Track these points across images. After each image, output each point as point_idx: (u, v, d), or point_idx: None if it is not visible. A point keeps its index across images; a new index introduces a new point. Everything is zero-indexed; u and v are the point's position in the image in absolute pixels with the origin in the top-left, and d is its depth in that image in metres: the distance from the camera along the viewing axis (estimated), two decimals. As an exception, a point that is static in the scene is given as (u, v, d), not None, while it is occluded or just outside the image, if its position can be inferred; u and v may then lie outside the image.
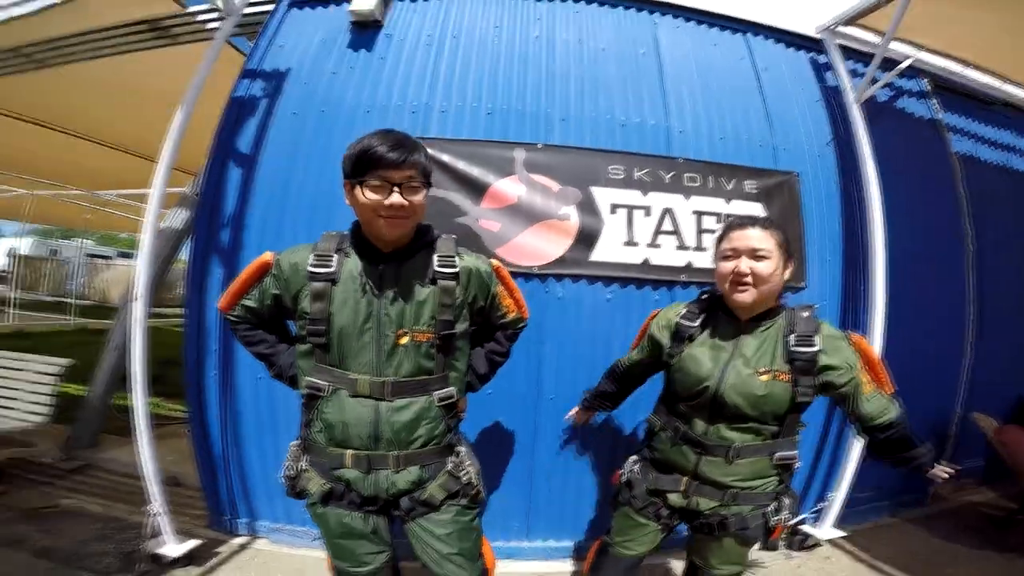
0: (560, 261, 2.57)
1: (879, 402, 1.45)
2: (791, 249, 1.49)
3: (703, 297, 1.65)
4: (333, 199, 2.61)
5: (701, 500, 1.53)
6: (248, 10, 2.97)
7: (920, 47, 3.15)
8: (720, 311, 1.58)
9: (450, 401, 1.41)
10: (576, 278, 2.60)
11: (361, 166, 1.22)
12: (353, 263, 1.35)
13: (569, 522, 2.67)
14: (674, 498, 1.58)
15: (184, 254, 3.95)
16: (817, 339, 1.42)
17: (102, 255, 21.08)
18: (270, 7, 3.05)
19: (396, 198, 1.23)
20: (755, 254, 1.43)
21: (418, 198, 1.28)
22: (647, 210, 2.64)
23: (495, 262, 1.54)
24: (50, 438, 3.46)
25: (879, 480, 3.09)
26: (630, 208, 2.64)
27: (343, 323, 1.31)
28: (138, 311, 2.35)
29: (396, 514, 1.43)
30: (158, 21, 3.22)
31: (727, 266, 1.47)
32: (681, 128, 2.81)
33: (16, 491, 3.05)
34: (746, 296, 1.45)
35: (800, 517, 2.87)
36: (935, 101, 3.45)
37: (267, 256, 1.41)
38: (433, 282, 1.36)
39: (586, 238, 2.59)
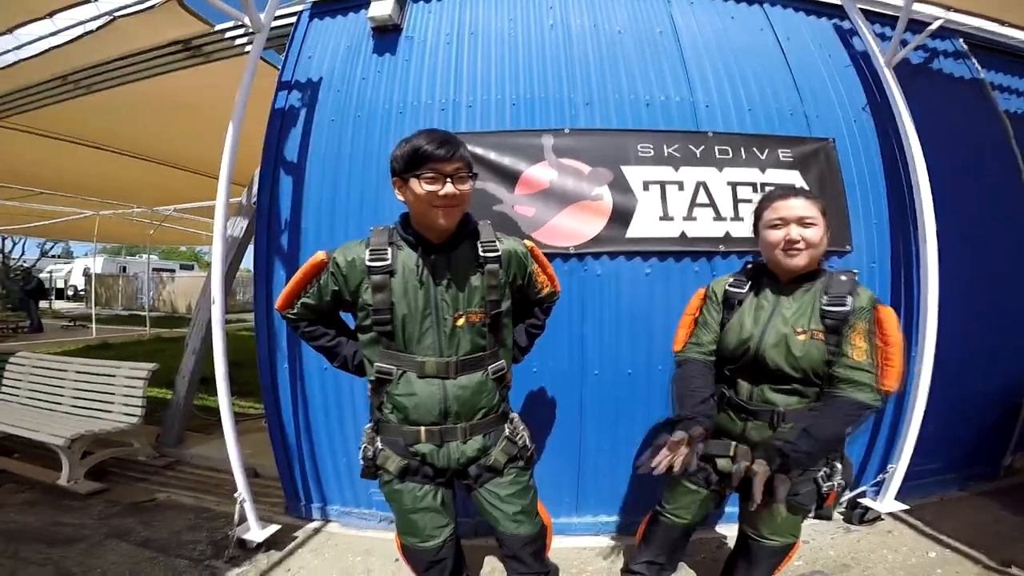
0: (596, 240, 2.62)
1: (853, 374, 1.43)
2: (829, 219, 1.54)
3: (748, 266, 1.71)
4: (378, 198, 2.76)
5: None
6: (274, 23, 3.08)
7: (948, 8, 3.05)
8: (764, 277, 1.64)
9: (502, 373, 1.56)
10: (613, 255, 2.64)
11: (415, 162, 1.34)
12: (407, 255, 1.45)
13: (619, 497, 2.71)
14: (723, 463, 1.60)
15: (244, 262, 4.21)
16: (850, 300, 1.46)
17: (166, 269, 22.42)
18: (292, 20, 3.21)
19: (449, 188, 1.35)
20: (803, 222, 1.49)
21: (466, 187, 1.40)
22: (680, 185, 2.66)
23: (528, 242, 1.66)
24: (142, 437, 3.79)
25: (946, 452, 3.01)
26: (663, 184, 2.66)
27: (405, 311, 1.42)
28: (217, 314, 2.52)
29: (465, 483, 1.56)
30: (189, 41, 3.43)
31: (777, 234, 1.53)
32: (707, 102, 2.82)
33: (117, 487, 3.36)
34: (799, 260, 1.50)
35: (860, 489, 2.82)
36: (974, 61, 3.33)
37: (320, 256, 1.50)
38: (480, 266, 1.48)
39: (621, 216, 2.63)
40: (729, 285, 1.68)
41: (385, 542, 2.62)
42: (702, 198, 2.65)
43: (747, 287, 1.65)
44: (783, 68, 2.95)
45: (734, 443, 1.58)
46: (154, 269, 18.82)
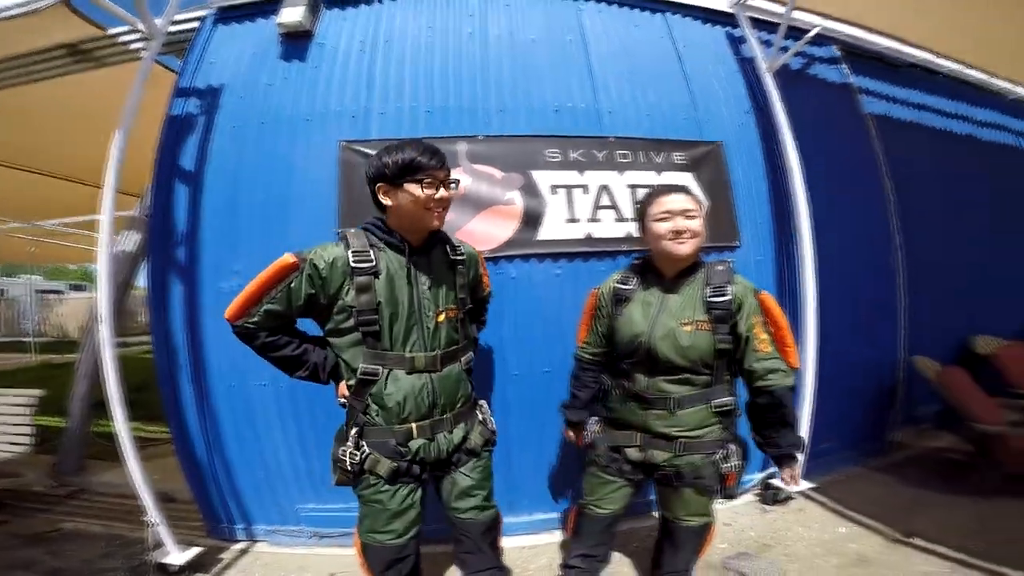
0: (509, 243, 2.67)
1: (770, 364, 1.56)
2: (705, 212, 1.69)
3: (635, 263, 1.82)
4: (284, 204, 2.69)
5: (656, 452, 1.66)
6: (173, 28, 2.99)
7: (826, 16, 3.32)
8: (650, 272, 1.75)
9: (471, 363, 1.70)
10: (526, 258, 2.70)
11: (412, 170, 1.44)
12: (390, 257, 1.52)
13: (550, 494, 2.75)
14: (632, 452, 1.71)
15: (141, 280, 3.96)
16: (731, 288, 1.59)
17: (53, 290, 20.33)
18: (195, 24, 3.09)
19: (444, 192, 1.49)
20: (687, 214, 1.61)
21: (453, 192, 1.54)
22: (585, 188, 2.77)
23: (478, 248, 1.84)
24: (37, 467, 3.53)
25: (841, 431, 3.24)
26: (569, 188, 2.76)
27: (393, 310, 1.48)
28: (104, 334, 2.38)
29: (438, 472, 1.63)
30: (78, 45, 3.23)
31: (664, 226, 1.63)
32: (610, 108, 2.94)
33: (16, 519, 3.08)
34: (686, 247, 1.62)
35: (770, 471, 2.99)
36: (846, 66, 3.65)
37: (289, 258, 1.45)
38: (452, 268, 1.63)
39: (531, 219, 2.70)
40: (617, 283, 1.78)
41: (319, 558, 2.57)
42: (605, 200, 2.77)
43: (634, 283, 1.75)
44: (679, 74, 3.12)
45: (638, 433, 1.70)
46: (38, 291, 17.00)
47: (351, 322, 1.47)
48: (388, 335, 1.49)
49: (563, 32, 3.10)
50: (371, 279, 1.46)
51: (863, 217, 3.46)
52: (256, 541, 2.75)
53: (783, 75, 3.09)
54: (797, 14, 3.09)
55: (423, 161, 1.44)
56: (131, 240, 3.46)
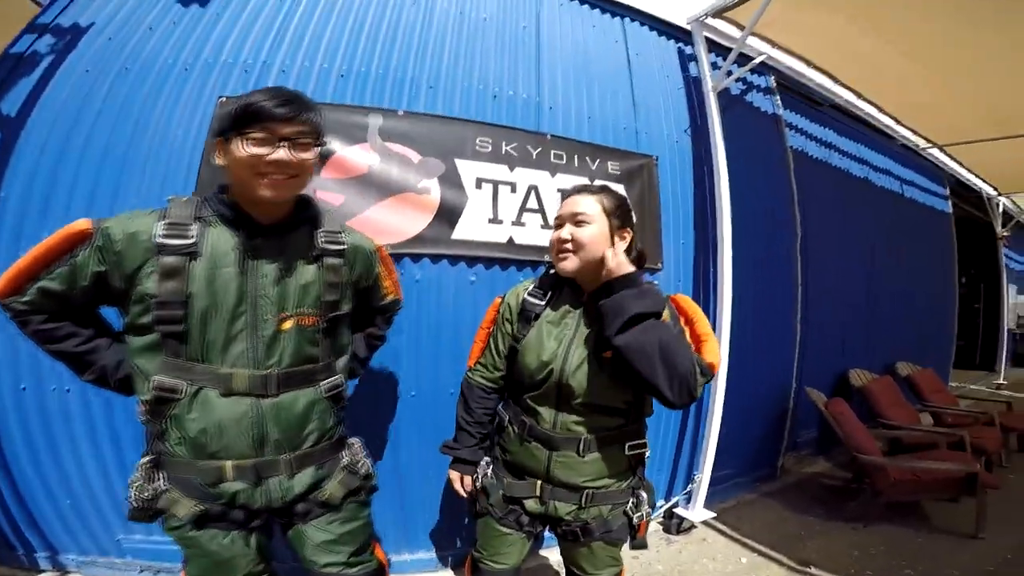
0: (418, 239, 2.30)
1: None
2: (626, 218, 1.38)
3: (550, 274, 1.50)
4: (125, 163, 2.18)
5: (559, 505, 1.40)
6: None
7: (773, 44, 3.34)
8: (566, 286, 1.44)
9: (338, 390, 1.31)
10: (436, 258, 2.36)
11: (243, 119, 1.07)
12: (220, 235, 1.15)
13: (451, 529, 2.45)
14: (531, 504, 1.44)
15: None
16: None
17: None
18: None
19: (282, 153, 1.08)
20: (576, 219, 1.33)
21: (308, 155, 1.13)
22: (513, 186, 2.48)
23: (377, 242, 1.46)
24: None
25: (737, 458, 3.28)
26: (496, 183, 2.46)
27: (207, 306, 1.11)
28: None
29: (288, 521, 1.29)
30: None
31: (553, 235, 1.38)
32: (551, 104, 2.72)
33: None
34: (566, 264, 1.34)
35: (673, 500, 2.94)
36: (777, 98, 3.76)
37: (82, 224, 1.09)
38: (318, 259, 1.25)
39: (448, 214, 2.36)
40: (528, 294, 1.47)
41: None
42: (532, 203, 2.51)
43: (546, 298, 1.45)
44: (626, 82, 3.00)
45: (539, 482, 1.41)
46: None
47: (149, 317, 1.09)
48: (199, 340, 1.11)
49: (518, 16, 2.86)
50: (184, 261, 1.09)
51: (776, 249, 3.55)
52: (67, 572, 2.19)
53: (722, 99, 3.07)
54: (748, 40, 3.08)
55: (264, 107, 1.05)
56: None
